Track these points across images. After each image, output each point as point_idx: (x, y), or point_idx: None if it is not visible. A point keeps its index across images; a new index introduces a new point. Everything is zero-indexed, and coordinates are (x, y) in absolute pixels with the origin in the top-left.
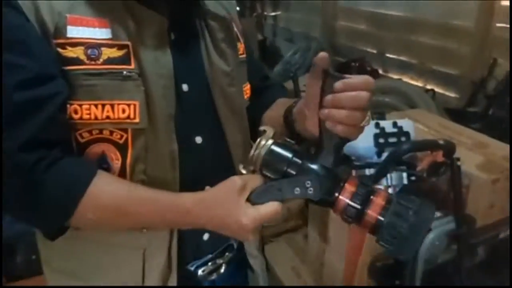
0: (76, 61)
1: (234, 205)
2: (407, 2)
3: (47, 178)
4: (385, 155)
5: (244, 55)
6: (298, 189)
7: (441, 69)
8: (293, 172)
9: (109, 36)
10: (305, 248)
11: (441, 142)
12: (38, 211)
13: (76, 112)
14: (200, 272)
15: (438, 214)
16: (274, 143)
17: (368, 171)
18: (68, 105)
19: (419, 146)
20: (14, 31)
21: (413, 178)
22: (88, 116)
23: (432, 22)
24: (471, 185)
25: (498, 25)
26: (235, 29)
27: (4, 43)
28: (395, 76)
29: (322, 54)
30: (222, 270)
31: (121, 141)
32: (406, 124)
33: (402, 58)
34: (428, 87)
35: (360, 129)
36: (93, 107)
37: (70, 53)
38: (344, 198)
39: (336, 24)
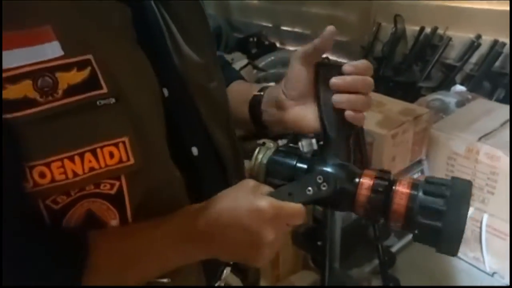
0: (25, 102)
1: (246, 196)
2: None
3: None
4: None
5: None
6: (310, 188)
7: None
8: (302, 175)
9: (60, 52)
10: None
11: None
12: None
13: (43, 175)
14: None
15: None
16: (275, 151)
17: (281, 141)
18: (27, 170)
19: None
20: None
21: (321, 142)
22: (63, 176)
23: None
24: (374, 142)
25: None
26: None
27: None
28: (292, 48)
29: (331, 28)
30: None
31: (112, 192)
32: None
33: (297, 29)
34: (323, 55)
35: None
36: (67, 162)
37: (12, 93)
38: (363, 191)
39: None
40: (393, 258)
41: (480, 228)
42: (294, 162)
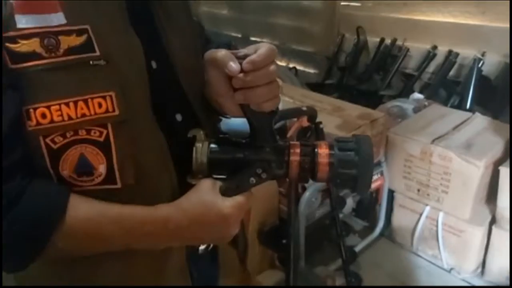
0: (33, 56)
1: (212, 200)
2: None
3: (12, 216)
4: None
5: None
6: (252, 179)
7: (300, 48)
8: (241, 165)
9: (64, 21)
10: None
11: (304, 108)
12: (6, 248)
13: (44, 116)
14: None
15: None
16: (211, 145)
17: None
18: (32, 110)
19: (286, 114)
20: None
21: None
22: (60, 118)
23: (286, 4)
24: None
25: (342, 3)
26: None
27: None
28: None
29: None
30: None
31: (101, 139)
32: None
33: (265, 40)
34: (291, 65)
35: (279, 98)
36: (64, 107)
37: (24, 47)
38: (294, 160)
39: (199, 10)
40: (354, 255)
41: (437, 226)
42: (231, 156)
